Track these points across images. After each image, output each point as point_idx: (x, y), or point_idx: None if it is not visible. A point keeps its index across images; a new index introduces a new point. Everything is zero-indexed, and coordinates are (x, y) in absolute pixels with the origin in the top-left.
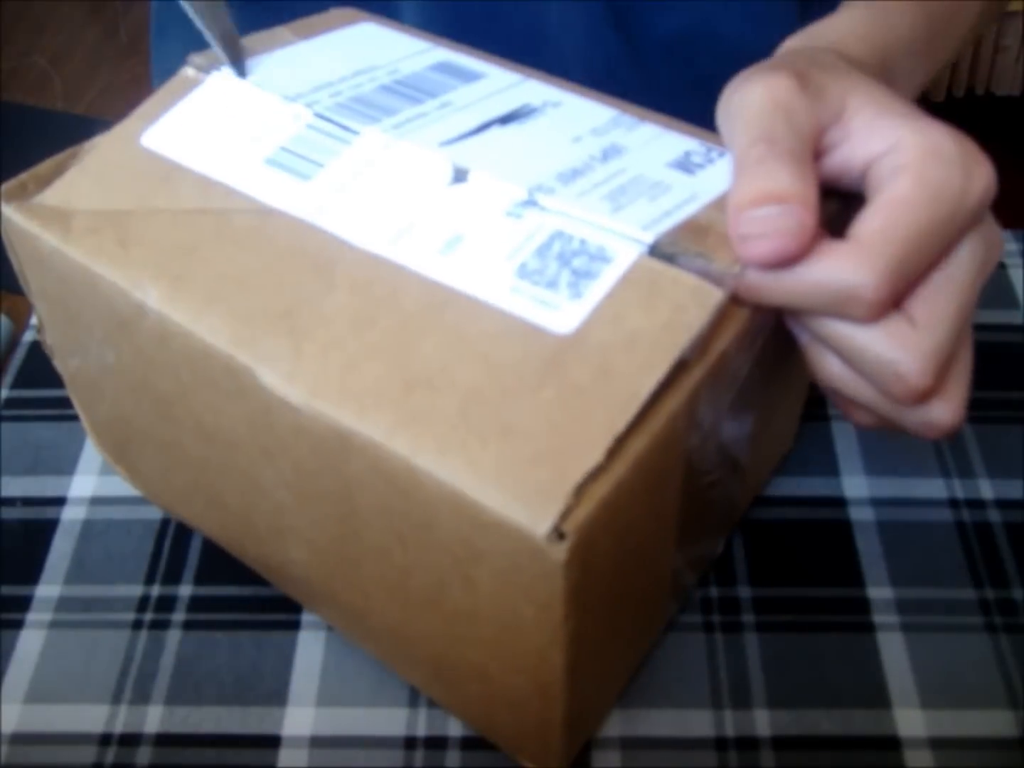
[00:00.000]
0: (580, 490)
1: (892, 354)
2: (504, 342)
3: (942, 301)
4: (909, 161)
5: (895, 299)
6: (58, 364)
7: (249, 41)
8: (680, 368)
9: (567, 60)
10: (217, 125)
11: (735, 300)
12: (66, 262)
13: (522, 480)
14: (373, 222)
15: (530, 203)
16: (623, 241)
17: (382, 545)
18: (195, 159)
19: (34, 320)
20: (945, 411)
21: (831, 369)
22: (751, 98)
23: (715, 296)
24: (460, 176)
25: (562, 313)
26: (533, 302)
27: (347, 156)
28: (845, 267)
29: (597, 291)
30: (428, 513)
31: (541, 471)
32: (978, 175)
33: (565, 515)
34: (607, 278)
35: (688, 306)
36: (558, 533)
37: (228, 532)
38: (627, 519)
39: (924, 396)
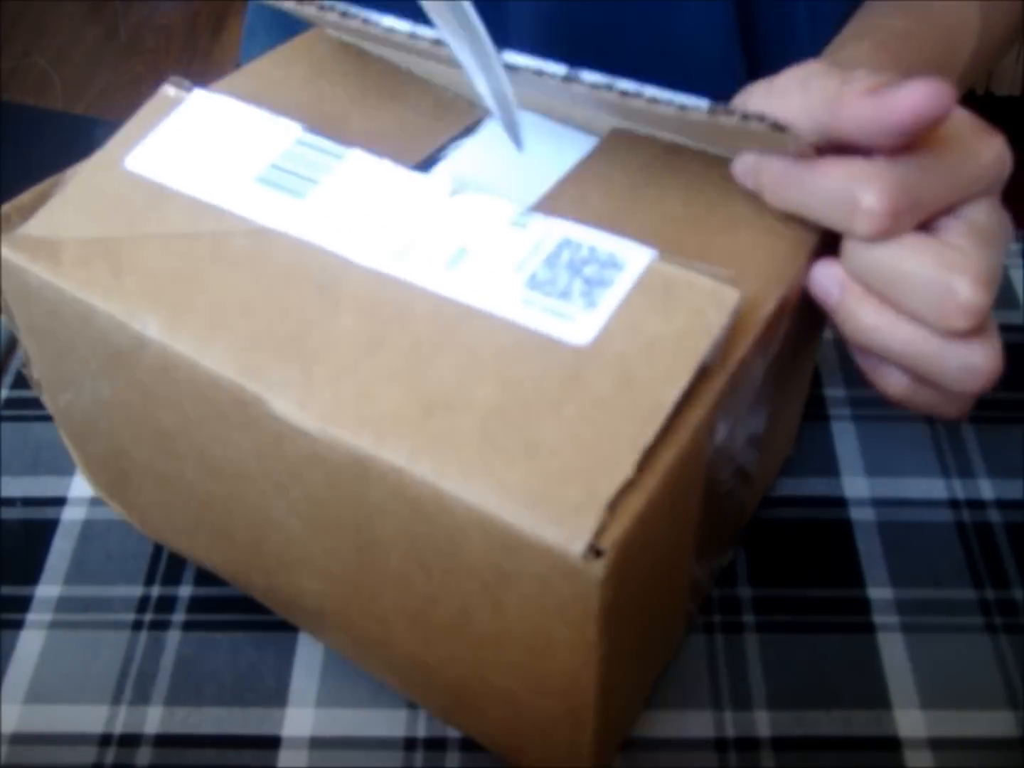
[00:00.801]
0: (613, 505)
1: (944, 274)
2: (520, 357)
3: (981, 238)
4: None
5: (899, 221)
6: (47, 400)
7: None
8: (702, 375)
9: (691, 74)
10: (203, 144)
11: (750, 305)
12: (57, 294)
13: (552, 498)
14: (374, 239)
15: (534, 212)
16: (633, 247)
17: (403, 573)
18: (183, 180)
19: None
20: (986, 353)
21: (866, 319)
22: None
23: (732, 298)
24: (460, 187)
25: (577, 324)
26: (546, 314)
27: (341, 171)
28: (851, 174)
29: (611, 299)
30: (454, 538)
31: (571, 488)
32: (988, 144)
33: (600, 532)
34: (621, 285)
35: (706, 310)
36: (594, 551)
37: (234, 566)
38: (656, 533)
39: (978, 316)
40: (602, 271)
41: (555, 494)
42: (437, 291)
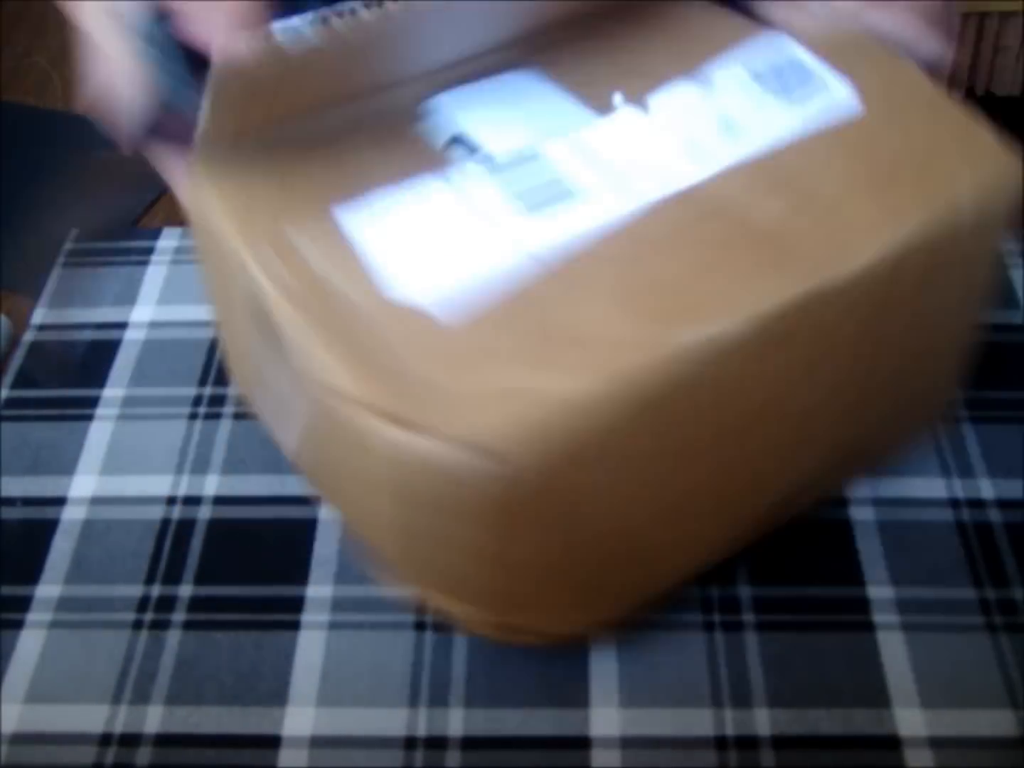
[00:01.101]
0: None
1: None
2: (833, 146)
3: None
4: None
5: None
6: None
7: None
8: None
9: None
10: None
11: None
12: None
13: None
14: (667, 174)
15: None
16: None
17: (901, 348)
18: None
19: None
20: None
21: None
22: None
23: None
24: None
25: (836, 98)
26: (813, 108)
27: (561, 166)
28: None
29: (840, 81)
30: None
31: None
32: None
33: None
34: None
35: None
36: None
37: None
38: None
39: None
40: (812, 78)
41: (943, 187)
42: (749, 157)
